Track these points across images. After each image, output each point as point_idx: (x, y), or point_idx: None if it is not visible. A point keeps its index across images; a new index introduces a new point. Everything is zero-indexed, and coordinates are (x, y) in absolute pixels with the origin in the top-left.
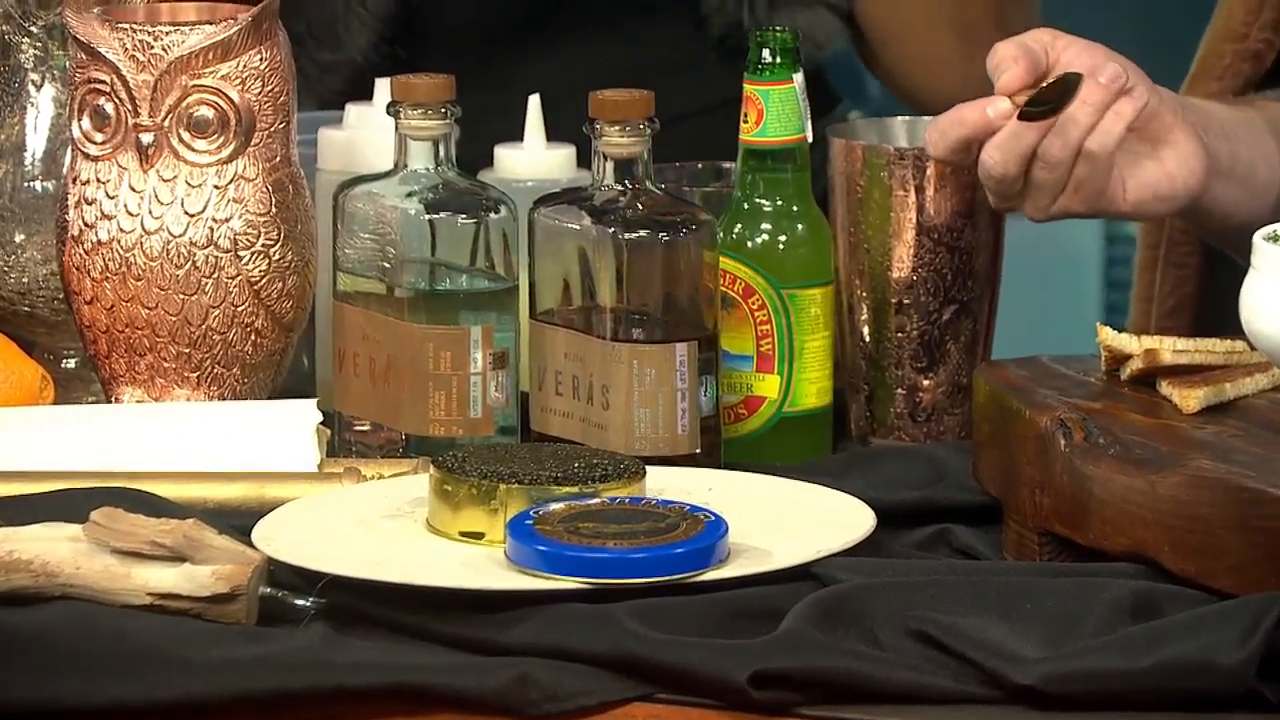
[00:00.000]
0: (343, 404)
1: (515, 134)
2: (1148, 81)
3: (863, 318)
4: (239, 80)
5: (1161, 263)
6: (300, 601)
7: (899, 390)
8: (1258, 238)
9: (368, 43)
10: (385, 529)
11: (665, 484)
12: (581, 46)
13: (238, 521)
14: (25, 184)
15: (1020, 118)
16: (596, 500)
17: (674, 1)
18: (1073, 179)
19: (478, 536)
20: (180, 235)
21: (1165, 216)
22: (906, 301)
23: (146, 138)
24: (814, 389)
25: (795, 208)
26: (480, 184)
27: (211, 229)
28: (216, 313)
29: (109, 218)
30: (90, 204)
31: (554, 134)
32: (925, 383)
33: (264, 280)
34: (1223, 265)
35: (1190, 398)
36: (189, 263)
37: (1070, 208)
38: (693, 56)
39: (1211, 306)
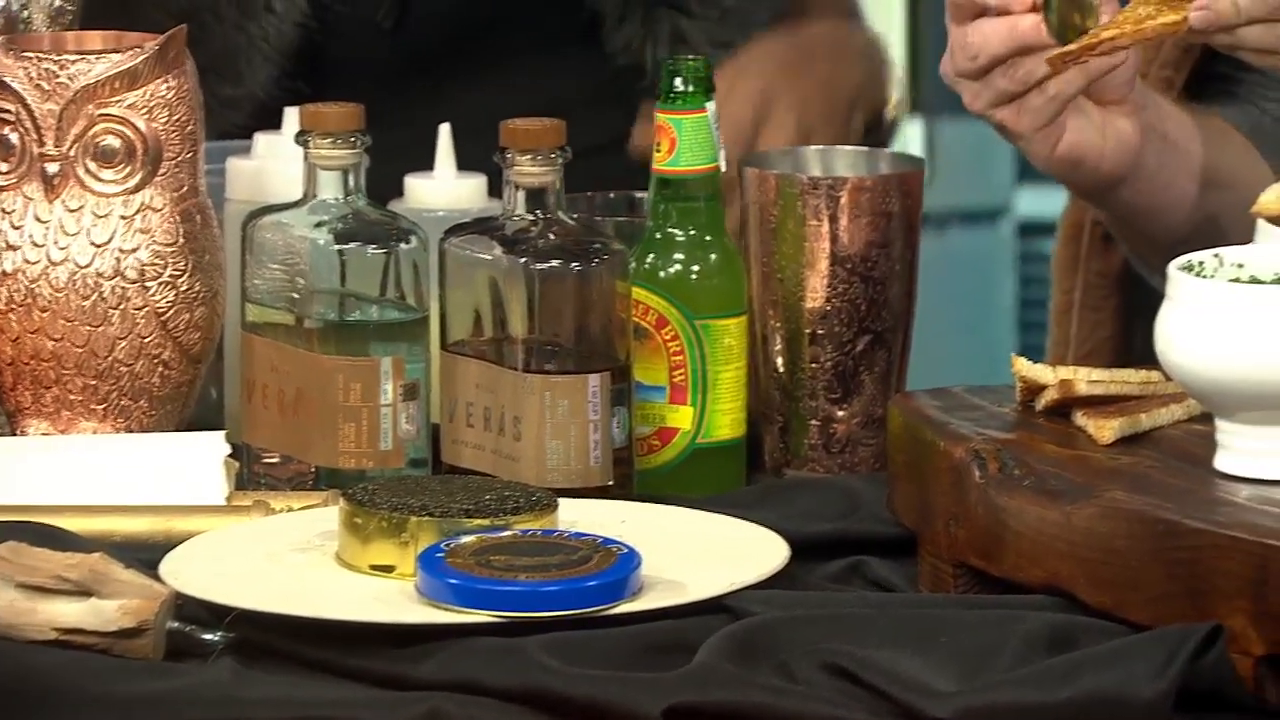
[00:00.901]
0: (251, 436)
1: (423, 170)
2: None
3: (776, 348)
4: (145, 109)
5: (1078, 306)
6: (208, 636)
7: (813, 421)
8: (1172, 268)
9: (269, 78)
10: (294, 562)
11: (578, 516)
12: (491, 81)
13: (145, 555)
14: None
15: (1049, 62)
16: (508, 533)
17: (583, 36)
18: (1024, 100)
19: (388, 570)
20: (86, 266)
21: (1075, 189)
22: (820, 332)
23: (52, 167)
24: (727, 420)
25: (708, 237)
26: (390, 214)
27: (118, 260)
28: (123, 344)
29: (14, 248)
30: None
31: (465, 168)
32: (840, 414)
33: (171, 311)
34: (1140, 309)
35: (1105, 429)
36: (95, 294)
37: (1006, 120)
38: (604, 89)
39: (1129, 351)
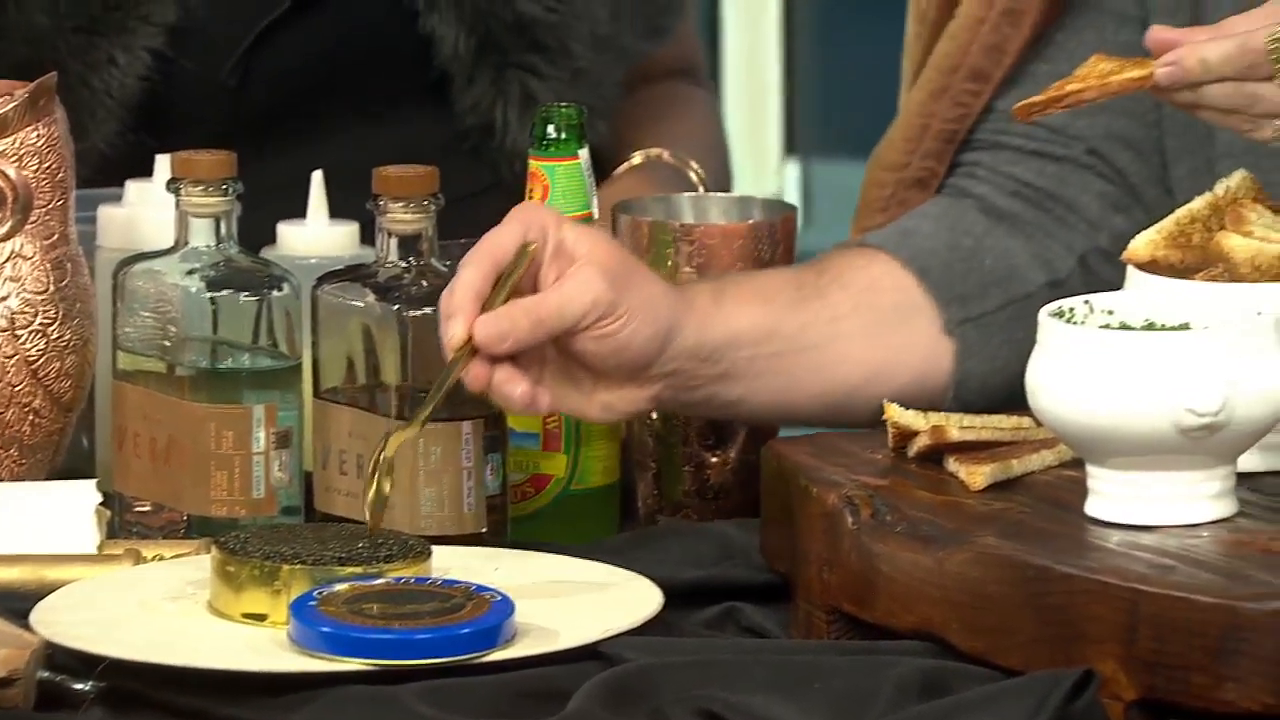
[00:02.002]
0: (123, 484)
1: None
2: None
3: None
4: (15, 157)
5: None
6: (79, 685)
7: (687, 468)
8: (1043, 314)
9: (112, 131)
10: (167, 611)
11: (451, 563)
12: (338, 137)
13: (15, 604)
14: None
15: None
16: (381, 580)
17: (432, 95)
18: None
19: (260, 618)
20: None
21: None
22: None
23: None
24: (601, 467)
25: None
26: (263, 261)
27: None
28: None
29: None
30: None
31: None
32: (713, 460)
33: (42, 359)
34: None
35: (977, 474)
36: None
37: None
38: (454, 145)
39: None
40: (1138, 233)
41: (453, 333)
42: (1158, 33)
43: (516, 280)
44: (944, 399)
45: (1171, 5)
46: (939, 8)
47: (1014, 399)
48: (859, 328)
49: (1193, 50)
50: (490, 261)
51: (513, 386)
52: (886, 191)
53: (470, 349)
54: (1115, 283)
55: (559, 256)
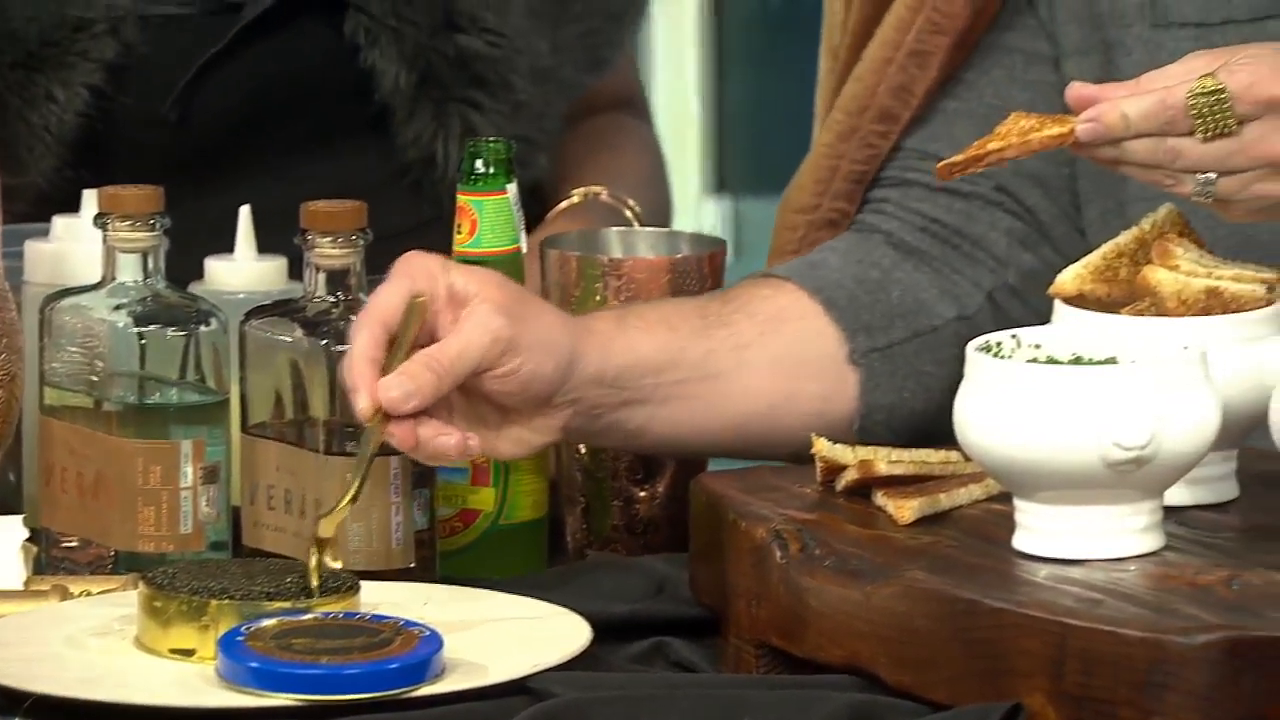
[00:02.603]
0: (50, 520)
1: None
2: None
3: None
4: None
5: None
6: None
7: (615, 502)
8: (970, 348)
9: (51, 167)
10: (94, 647)
11: (379, 599)
12: (280, 171)
13: None
14: None
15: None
16: (309, 615)
17: (373, 128)
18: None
19: (188, 653)
20: None
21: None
22: None
23: None
24: (529, 501)
25: None
26: (190, 296)
27: None
28: None
29: None
30: None
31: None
32: (641, 495)
33: None
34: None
35: (905, 509)
36: None
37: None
38: (396, 179)
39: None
40: (1046, 270)
41: (360, 406)
42: (1078, 89)
43: (413, 335)
44: (848, 430)
45: (1084, 45)
46: (850, 48)
47: (921, 434)
48: (764, 356)
49: (1113, 106)
50: (379, 324)
51: (445, 440)
52: (798, 234)
53: (382, 415)
54: (1023, 320)
55: (452, 302)
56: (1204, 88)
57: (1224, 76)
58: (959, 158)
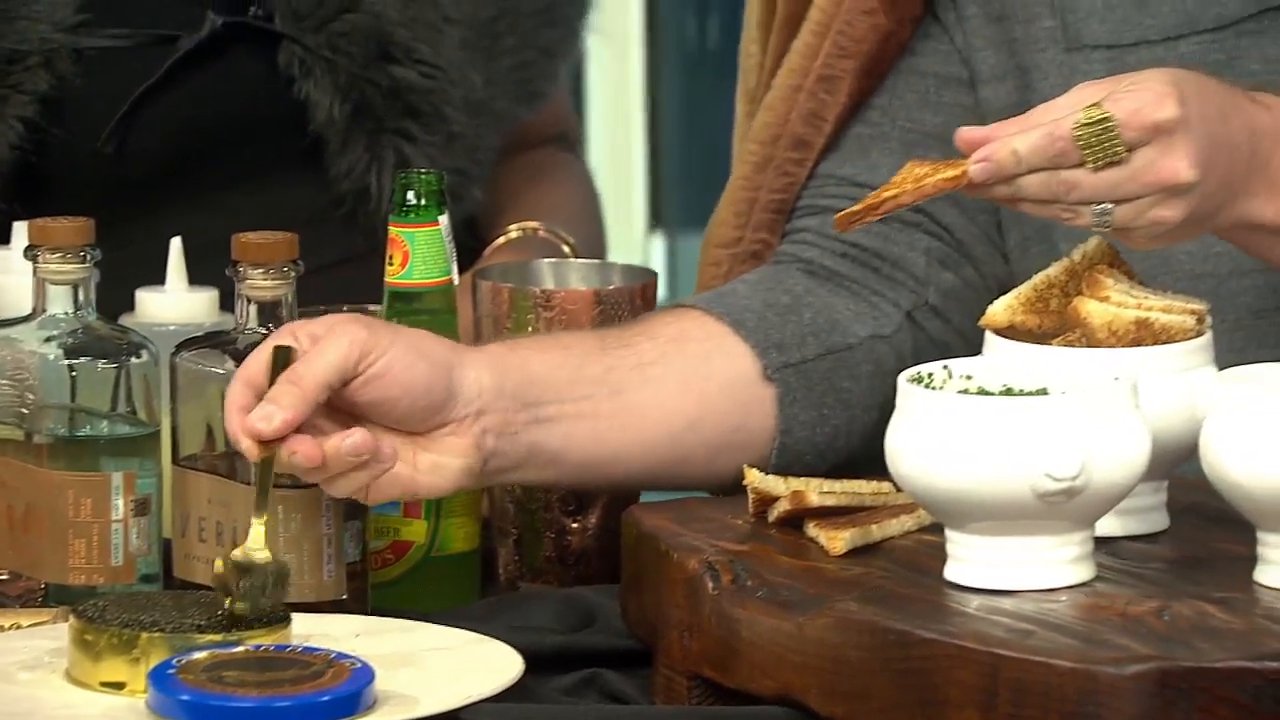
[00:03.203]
0: None
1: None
2: None
3: None
4: None
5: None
6: None
7: (548, 534)
8: (902, 379)
9: None
10: (24, 680)
11: (311, 631)
12: (214, 203)
13: None
14: None
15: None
16: (241, 648)
17: (306, 160)
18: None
19: (119, 686)
20: None
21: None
22: None
23: None
24: (462, 533)
25: None
26: (121, 328)
27: None
28: None
29: None
30: None
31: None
32: (574, 526)
33: None
34: None
35: (837, 539)
36: None
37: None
38: (329, 211)
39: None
40: (967, 289)
41: (245, 448)
42: (966, 133)
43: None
44: (769, 448)
45: (999, 71)
46: (764, 85)
47: (846, 455)
48: (669, 374)
49: (1004, 144)
50: (244, 382)
51: (352, 440)
52: (723, 269)
53: (266, 447)
54: (943, 338)
55: (313, 340)
56: (1090, 118)
57: (1109, 105)
58: (857, 208)
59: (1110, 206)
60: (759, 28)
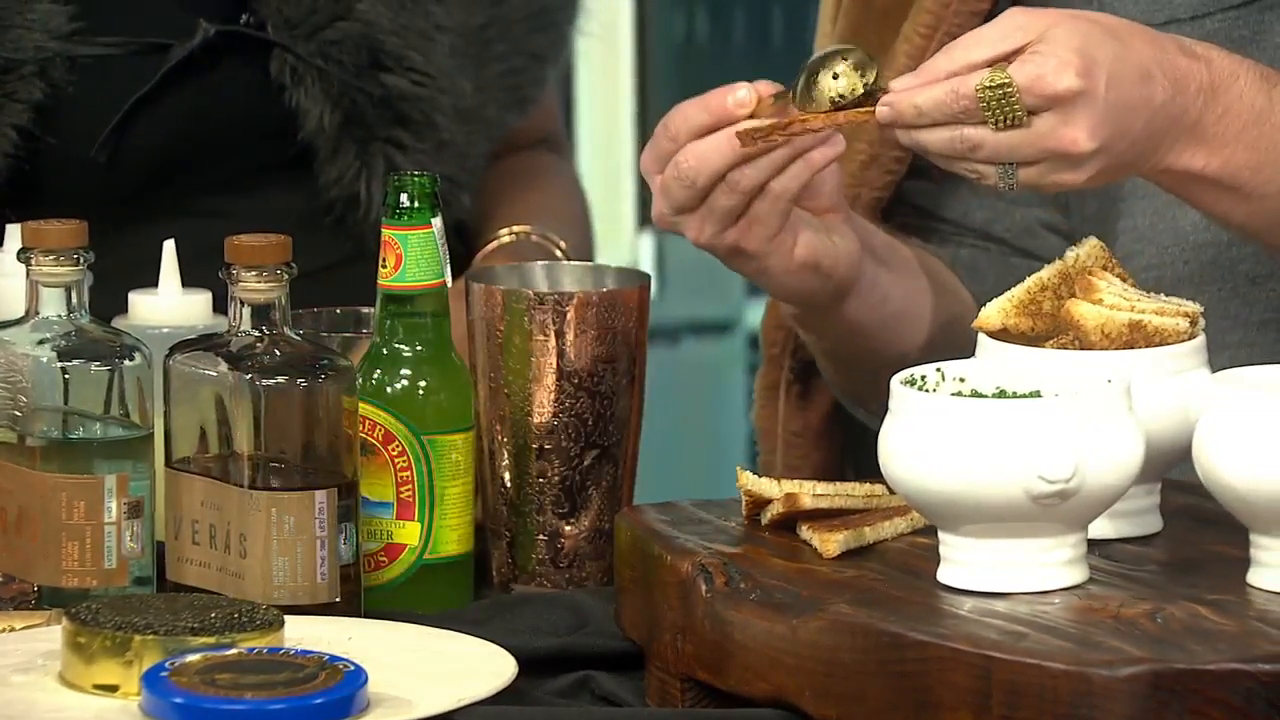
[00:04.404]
0: None
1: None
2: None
3: (504, 463)
4: None
5: (780, 467)
6: None
7: (541, 536)
8: (895, 381)
9: None
10: (17, 683)
11: (304, 633)
12: (205, 209)
13: None
14: None
15: (738, 135)
16: (234, 650)
17: (296, 167)
18: (750, 213)
19: (112, 689)
20: None
21: (814, 302)
22: (548, 446)
23: None
24: (455, 536)
25: (434, 353)
26: (114, 331)
27: None
28: None
29: None
30: None
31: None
32: (567, 528)
33: None
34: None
35: (830, 542)
36: None
37: (740, 241)
38: (318, 217)
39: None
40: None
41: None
42: (902, 80)
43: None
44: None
45: None
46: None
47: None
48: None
49: (908, 95)
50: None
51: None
52: None
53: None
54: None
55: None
56: (993, 80)
57: (1014, 69)
58: (764, 123)
59: (1014, 167)
60: (829, 20)
